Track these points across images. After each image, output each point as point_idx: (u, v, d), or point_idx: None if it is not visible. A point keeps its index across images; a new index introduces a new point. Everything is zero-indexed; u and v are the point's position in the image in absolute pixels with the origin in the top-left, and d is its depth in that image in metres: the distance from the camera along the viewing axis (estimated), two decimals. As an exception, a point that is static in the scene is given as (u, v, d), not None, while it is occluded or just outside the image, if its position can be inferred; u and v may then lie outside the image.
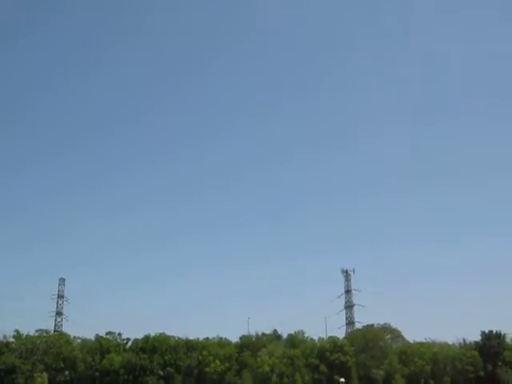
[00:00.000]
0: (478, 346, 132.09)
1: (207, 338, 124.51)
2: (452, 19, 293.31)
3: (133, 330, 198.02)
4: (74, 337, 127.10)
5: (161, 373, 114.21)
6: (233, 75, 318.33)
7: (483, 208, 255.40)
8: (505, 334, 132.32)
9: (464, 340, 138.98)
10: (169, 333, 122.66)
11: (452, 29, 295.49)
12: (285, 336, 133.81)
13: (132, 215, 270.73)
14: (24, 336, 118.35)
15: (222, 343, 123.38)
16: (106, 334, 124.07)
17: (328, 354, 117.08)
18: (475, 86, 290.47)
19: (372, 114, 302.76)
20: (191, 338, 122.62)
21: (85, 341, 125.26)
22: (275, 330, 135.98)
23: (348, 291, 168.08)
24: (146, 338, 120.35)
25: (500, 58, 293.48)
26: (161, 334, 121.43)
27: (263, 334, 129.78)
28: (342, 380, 31.97)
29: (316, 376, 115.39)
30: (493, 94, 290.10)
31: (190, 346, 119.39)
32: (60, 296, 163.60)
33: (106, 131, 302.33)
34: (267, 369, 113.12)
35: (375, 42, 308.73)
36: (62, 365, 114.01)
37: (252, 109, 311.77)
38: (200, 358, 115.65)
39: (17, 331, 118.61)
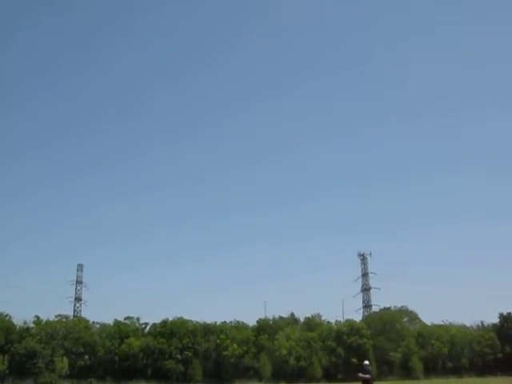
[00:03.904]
0: (495, 328, 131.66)
1: (224, 322, 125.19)
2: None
3: (150, 314, 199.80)
4: (93, 322, 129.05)
5: (179, 357, 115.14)
6: (239, 66, 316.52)
7: (502, 193, 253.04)
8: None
9: (482, 322, 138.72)
10: (186, 317, 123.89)
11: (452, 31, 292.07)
12: (302, 319, 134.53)
13: (147, 198, 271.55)
14: (44, 321, 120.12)
15: (240, 327, 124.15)
16: (125, 318, 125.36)
17: (345, 337, 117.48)
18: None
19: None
20: (209, 321, 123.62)
21: (104, 326, 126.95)
22: (292, 314, 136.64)
23: (365, 274, 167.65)
24: (164, 323, 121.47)
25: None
26: (179, 318, 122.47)
27: (280, 318, 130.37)
28: (367, 362, 32.05)
29: (333, 359, 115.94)
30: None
31: (207, 329, 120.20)
32: (78, 282, 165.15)
33: (120, 117, 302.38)
34: (285, 352, 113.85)
35: (377, 40, 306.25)
36: (81, 349, 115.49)
37: (252, 101, 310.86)
38: (218, 341, 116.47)
39: (37, 317, 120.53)
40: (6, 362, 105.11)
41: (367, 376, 32.70)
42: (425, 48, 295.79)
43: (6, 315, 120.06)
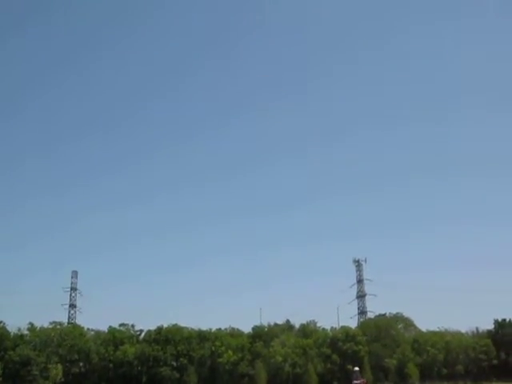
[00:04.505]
0: (491, 335, 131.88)
1: (220, 329, 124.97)
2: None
3: (145, 321, 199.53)
4: (88, 329, 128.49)
5: (174, 364, 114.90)
6: (236, 71, 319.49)
7: (495, 198, 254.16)
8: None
9: (477, 328, 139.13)
10: (181, 324, 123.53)
11: (451, 30, 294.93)
12: (297, 326, 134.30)
13: (143, 206, 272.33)
14: (38, 328, 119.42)
15: (235, 334, 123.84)
16: (120, 325, 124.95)
17: (340, 343, 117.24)
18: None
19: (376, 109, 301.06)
20: (204, 328, 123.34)
21: (98, 333, 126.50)
22: (288, 321, 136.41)
23: (360, 281, 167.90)
24: (159, 330, 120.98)
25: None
26: (174, 325, 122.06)
27: (276, 325, 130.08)
28: (357, 368, 31.89)
29: (328, 365, 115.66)
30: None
31: (202, 336, 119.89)
32: (73, 288, 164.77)
33: (113, 125, 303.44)
34: (280, 359, 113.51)
35: (375, 40, 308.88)
36: (76, 356, 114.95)
37: (253, 104, 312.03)
38: (213, 348, 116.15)
39: (31, 324, 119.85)
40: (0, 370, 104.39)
41: (363, 380, 33.01)
42: (425, 48, 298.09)
43: (0, 322, 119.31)
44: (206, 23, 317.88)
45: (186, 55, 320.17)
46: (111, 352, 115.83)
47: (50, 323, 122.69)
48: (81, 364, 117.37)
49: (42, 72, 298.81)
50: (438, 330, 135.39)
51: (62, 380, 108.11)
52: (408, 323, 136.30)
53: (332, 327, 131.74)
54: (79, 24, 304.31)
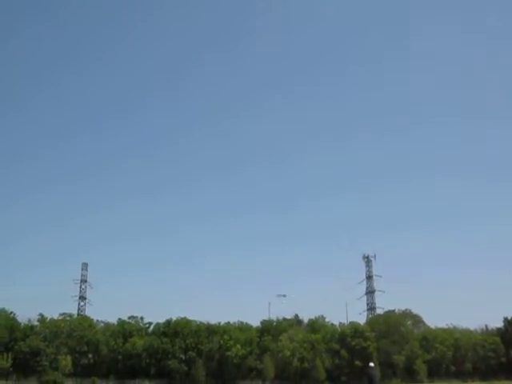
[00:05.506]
0: (500, 333, 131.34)
1: (228, 323, 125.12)
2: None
3: (154, 313, 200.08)
4: (97, 320, 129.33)
5: (182, 357, 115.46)
6: (239, 66, 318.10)
7: (504, 194, 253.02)
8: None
9: (486, 326, 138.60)
10: (190, 317, 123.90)
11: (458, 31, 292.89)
12: (306, 321, 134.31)
13: (152, 199, 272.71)
14: (48, 320, 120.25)
15: (243, 328, 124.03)
16: (129, 318, 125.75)
17: (349, 339, 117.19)
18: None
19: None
20: (212, 322, 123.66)
21: (107, 324, 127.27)
22: (296, 315, 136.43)
23: (369, 277, 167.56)
24: (168, 322, 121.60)
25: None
26: (182, 318, 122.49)
27: (284, 319, 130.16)
28: (372, 364, 32.14)
29: (337, 361, 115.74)
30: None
31: (211, 330, 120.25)
32: (83, 281, 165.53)
33: (124, 118, 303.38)
34: (288, 353, 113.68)
35: (371, 40, 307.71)
36: (85, 348, 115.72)
37: (254, 102, 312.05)
38: (221, 342, 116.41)
39: (41, 315, 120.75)
40: (10, 360, 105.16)
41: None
42: (424, 49, 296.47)
43: (11, 313, 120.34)
44: (206, 23, 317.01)
45: (185, 55, 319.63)
46: (120, 344, 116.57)
47: (60, 315, 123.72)
48: (90, 355, 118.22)
49: (41, 72, 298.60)
50: (446, 327, 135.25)
51: (71, 371, 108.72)
52: (417, 320, 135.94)
53: (340, 323, 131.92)
54: (80, 21, 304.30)
